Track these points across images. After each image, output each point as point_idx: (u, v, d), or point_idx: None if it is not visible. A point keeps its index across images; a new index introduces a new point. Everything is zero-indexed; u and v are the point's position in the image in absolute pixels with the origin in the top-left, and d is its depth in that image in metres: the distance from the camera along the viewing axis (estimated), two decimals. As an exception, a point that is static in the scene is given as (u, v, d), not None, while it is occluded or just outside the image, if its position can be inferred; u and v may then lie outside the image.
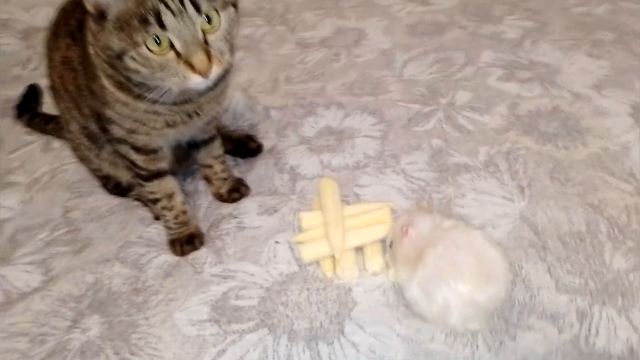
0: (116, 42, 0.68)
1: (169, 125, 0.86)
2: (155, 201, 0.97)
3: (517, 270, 0.83)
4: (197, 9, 0.67)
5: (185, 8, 0.66)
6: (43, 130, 1.31)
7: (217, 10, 0.69)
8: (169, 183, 0.96)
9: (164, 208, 0.97)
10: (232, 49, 0.76)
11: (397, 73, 1.38)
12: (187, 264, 0.93)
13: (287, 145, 1.19)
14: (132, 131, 0.86)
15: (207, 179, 1.08)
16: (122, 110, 0.83)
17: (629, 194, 0.95)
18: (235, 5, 0.73)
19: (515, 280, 0.82)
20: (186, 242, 0.97)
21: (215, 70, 0.71)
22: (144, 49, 0.67)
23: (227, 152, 1.15)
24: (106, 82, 0.79)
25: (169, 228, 0.99)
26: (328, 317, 0.80)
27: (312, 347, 0.76)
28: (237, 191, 1.07)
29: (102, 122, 0.89)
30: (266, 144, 1.20)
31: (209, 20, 0.69)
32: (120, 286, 0.90)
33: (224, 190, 1.07)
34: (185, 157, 1.07)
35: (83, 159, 1.05)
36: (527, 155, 1.06)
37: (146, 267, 0.94)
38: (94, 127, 0.94)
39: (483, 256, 0.74)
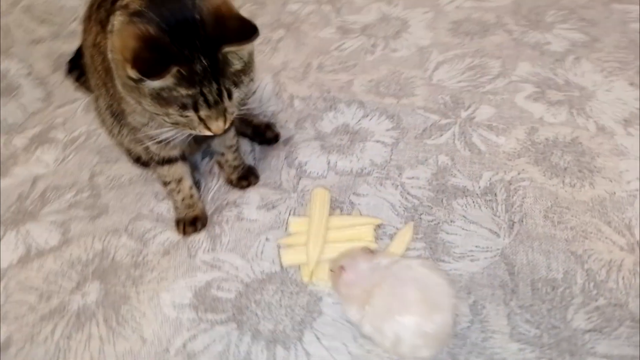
0: (149, 105, 0.76)
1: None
2: (165, 183, 1.06)
3: (478, 310, 0.87)
4: (230, 97, 0.78)
5: (222, 99, 0.77)
6: (88, 90, 1.42)
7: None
8: (179, 169, 1.04)
9: (172, 190, 1.06)
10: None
11: (427, 75, 1.37)
12: (184, 245, 1.02)
13: (302, 139, 1.23)
14: (144, 124, 0.94)
15: (220, 165, 1.15)
16: (134, 108, 0.90)
17: (618, 248, 0.94)
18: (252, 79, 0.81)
19: (474, 319, 0.85)
20: (190, 223, 1.06)
21: (226, 127, 0.80)
22: (174, 116, 0.76)
23: (245, 136, 1.22)
24: (122, 89, 0.86)
25: (176, 208, 1.07)
26: (292, 323, 0.87)
27: (270, 349, 0.84)
28: (246, 179, 1.14)
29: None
30: (284, 133, 1.25)
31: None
32: (123, 257, 1.01)
33: (234, 177, 1.14)
34: (203, 140, 1.15)
35: (107, 132, 1.15)
36: (529, 187, 1.06)
37: (150, 242, 1.04)
38: (117, 107, 1.02)
39: (427, 287, 0.80)
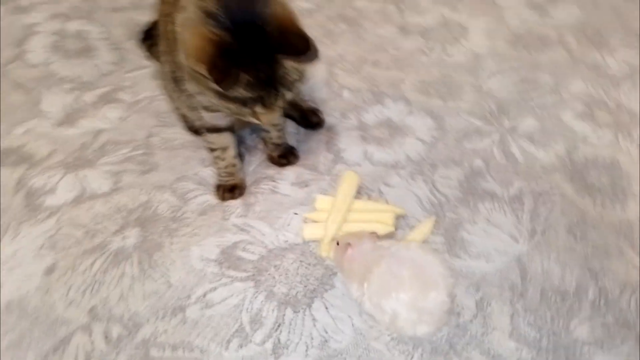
0: (212, 98, 0.86)
1: None
2: (212, 150, 1.14)
3: (484, 306, 0.89)
4: (284, 101, 0.86)
5: (276, 103, 0.85)
6: (156, 59, 1.53)
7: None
8: (225, 138, 1.12)
9: (217, 157, 1.14)
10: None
11: (478, 83, 1.39)
12: (220, 209, 1.10)
13: (345, 128, 1.29)
14: (198, 92, 1.02)
15: (264, 141, 1.22)
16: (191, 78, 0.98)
17: (637, 271, 0.94)
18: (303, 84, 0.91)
19: (477, 314, 0.88)
20: (228, 190, 1.14)
21: (274, 119, 0.89)
22: (232, 109, 0.86)
23: (292, 119, 1.29)
24: (186, 74, 0.95)
25: (218, 174, 1.15)
26: (305, 291, 0.93)
27: (281, 309, 0.90)
28: (285, 158, 1.21)
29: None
30: (328, 121, 1.31)
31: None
32: (164, 211, 1.10)
33: (275, 154, 1.21)
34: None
35: (168, 96, 1.24)
36: (558, 201, 1.07)
37: (190, 202, 1.12)
38: (178, 73, 1.11)
39: (422, 266, 0.85)
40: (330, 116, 1.32)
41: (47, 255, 0.99)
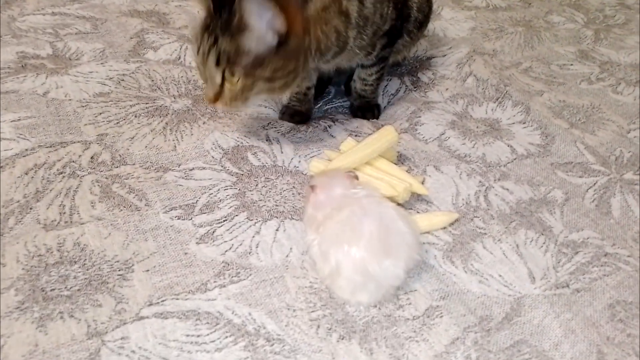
0: None
1: None
2: None
3: (434, 315, 0.72)
4: (217, 63, 0.82)
5: (207, 58, 0.83)
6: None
7: (234, 74, 0.82)
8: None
9: None
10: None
11: (627, 128, 1.13)
12: (270, 122, 1.08)
13: (443, 108, 1.16)
14: None
15: (347, 87, 1.17)
16: None
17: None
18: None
19: (420, 318, 0.71)
20: (290, 113, 1.11)
21: (220, 107, 0.88)
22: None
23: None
24: None
25: (289, 97, 1.13)
26: (272, 208, 0.86)
27: (237, 210, 0.85)
28: (363, 111, 1.13)
29: None
30: (433, 97, 1.19)
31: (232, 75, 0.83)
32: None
33: (356, 103, 1.14)
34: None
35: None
36: (622, 271, 0.81)
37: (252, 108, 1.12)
38: None
39: (388, 229, 0.71)
40: (438, 93, 1.20)
41: (110, 85, 1.10)
